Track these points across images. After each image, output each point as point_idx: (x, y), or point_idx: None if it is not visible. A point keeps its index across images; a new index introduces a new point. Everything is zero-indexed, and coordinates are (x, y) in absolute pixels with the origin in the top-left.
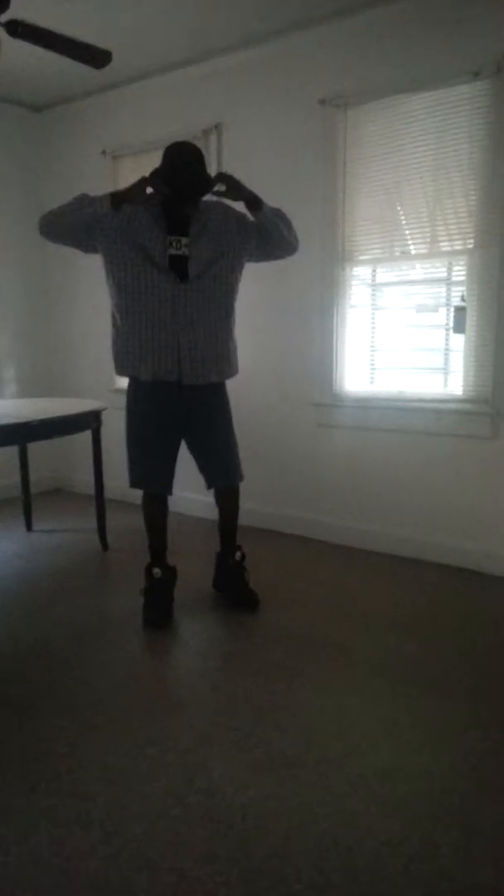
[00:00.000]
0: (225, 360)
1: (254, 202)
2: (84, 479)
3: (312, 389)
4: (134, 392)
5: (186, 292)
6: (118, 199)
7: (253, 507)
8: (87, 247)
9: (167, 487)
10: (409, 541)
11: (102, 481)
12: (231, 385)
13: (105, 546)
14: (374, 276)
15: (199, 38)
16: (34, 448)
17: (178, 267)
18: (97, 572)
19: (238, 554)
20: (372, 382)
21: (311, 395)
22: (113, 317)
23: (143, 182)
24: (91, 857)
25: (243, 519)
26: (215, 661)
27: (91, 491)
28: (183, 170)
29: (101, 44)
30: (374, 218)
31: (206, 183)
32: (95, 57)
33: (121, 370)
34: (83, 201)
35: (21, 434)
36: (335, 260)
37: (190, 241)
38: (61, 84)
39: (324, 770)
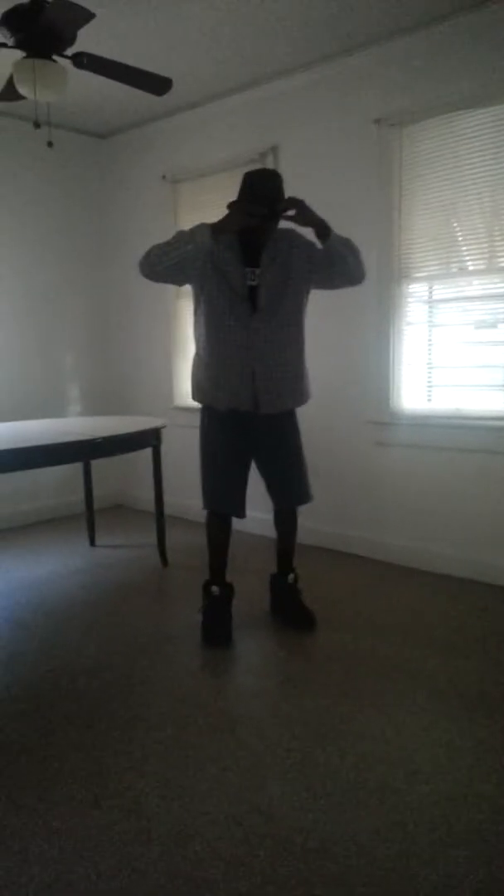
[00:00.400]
0: (298, 389)
1: (323, 229)
2: (144, 496)
3: (369, 408)
4: (209, 417)
5: (258, 322)
6: (219, 229)
7: (312, 525)
8: (183, 282)
9: (238, 509)
10: (468, 561)
11: (162, 498)
12: None
13: (165, 562)
14: (430, 292)
15: (255, 64)
16: (97, 465)
17: (251, 298)
18: (157, 588)
19: (291, 576)
20: (429, 400)
21: (368, 414)
22: (197, 343)
23: (241, 210)
24: (152, 875)
25: (302, 538)
26: (274, 681)
27: (151, 507)
28: (262, 185)
29: (162, 72)
30: (431, 235)
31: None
32: (157, 84)
33: (198, 397)
34: (182, 238)
35: (86, 451)
36: (391, 278)
37: (261, 272)
38: (124, 112)
39: (385, 796)
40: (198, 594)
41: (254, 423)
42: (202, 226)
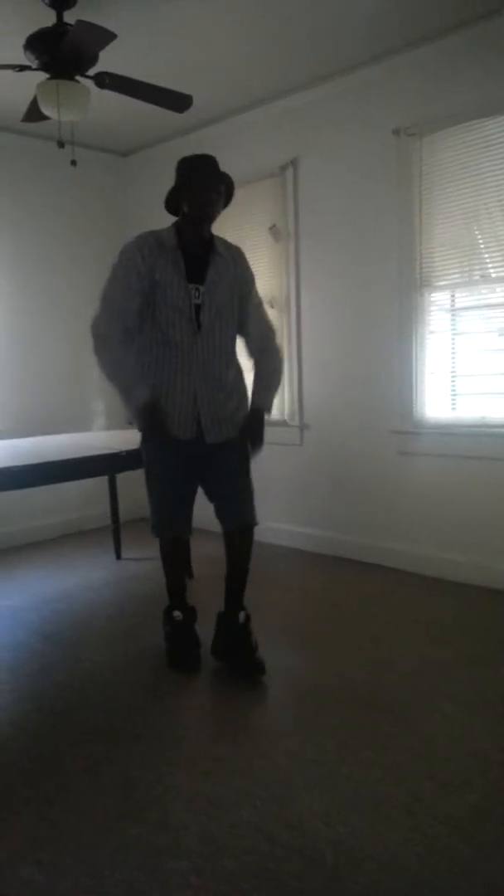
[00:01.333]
0: (241, 411)
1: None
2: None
3: (392, 417)
4: (153, 445)
5: (198, 344)
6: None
7: (334, 535)
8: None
9: (189, 528)
10: (495, 571)
11: None
12: (311, 414)
13: (190, 574)
14: (453, 300)
15: (274, 78)
16: (122, 478)
17: (196, 317)
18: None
19: (243, 614)
20: (454, 409)
21: (391, 423)
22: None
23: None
24: (182, 888)
25: (325, 548)
26: (299, 693)
27: None
28: (200, 173)
29: (182, 89)
30: (452, 243)
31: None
32: (177, 102)
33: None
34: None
35: (111, 465)
36: (412, 287)
37: (206, 289)
38: (145, 129)
39: (414, 809)
40: (219, 607)
41: (201, 448)
42: (140, 407)
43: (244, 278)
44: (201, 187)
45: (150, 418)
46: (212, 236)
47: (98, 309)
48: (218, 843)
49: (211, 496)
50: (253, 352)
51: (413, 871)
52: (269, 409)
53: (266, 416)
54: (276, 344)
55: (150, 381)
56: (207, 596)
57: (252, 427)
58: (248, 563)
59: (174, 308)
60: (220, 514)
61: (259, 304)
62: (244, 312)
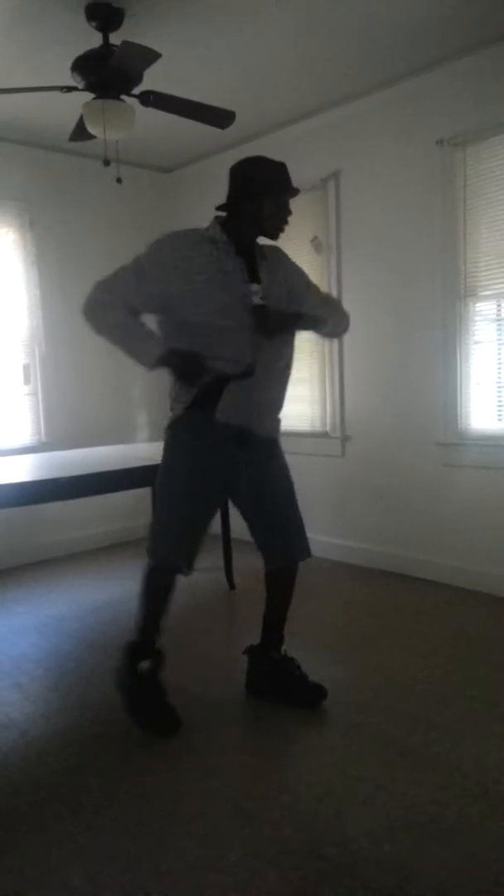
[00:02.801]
0: (278, 418)
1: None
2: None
3: (437, 429)
4: (185, 453)
5: (260, 346)
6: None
7: (379, 549)
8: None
9: (192, 566)
10: None
11: (229, 521)
12: (353, 426)
13: (232, 585)
14: (499, 310)
15: (316, 92)
16: None
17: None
18: (225, 611)
19: (284, 647)
20: (500, 420)
21: (435, 435)
22: None
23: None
24: None
25: (368, 562)
26: (344, 708)
27: (217, 530)
28: (281, 173)
29: (225, 105)
30: (498, 252)
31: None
32: (220, 118)
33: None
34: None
35: (155, 476)
36: (456, 297)
37: (262, 288)
38: (189, 146)
39: (465, 829)
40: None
41: (239, 456)
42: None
43: (290, 268)
44: (286, 195)
45: (181, 359)
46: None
47: (99, 287)
48: (262, 859)
49: (253, 523)
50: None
51: (461, 893)
52: (311, 322)
53: (300, 326)
54: (342, 309)
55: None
56: (245, 609)
57: (279, 313)
58: (291, 595)
59: (223, 301)
60: (266, 546)
61: (315, 291)
62: (310, 304)
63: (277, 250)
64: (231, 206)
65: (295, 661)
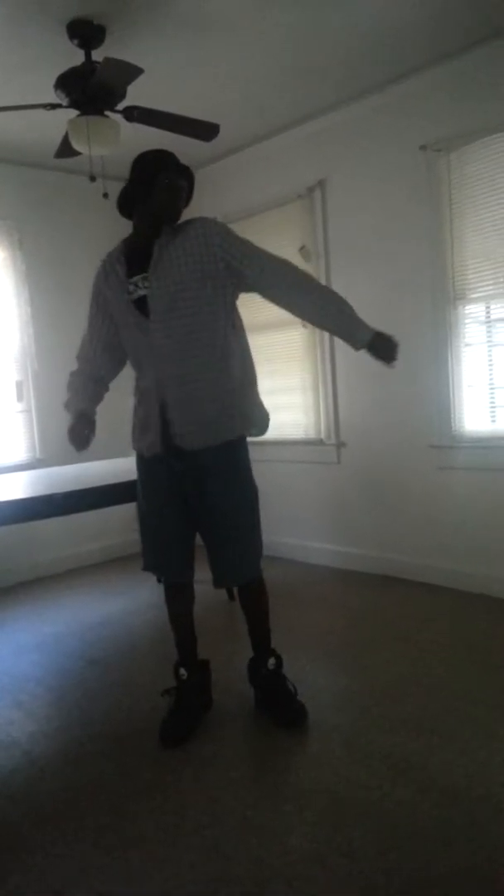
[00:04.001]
0: (225, 416)
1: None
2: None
3: (430, 432)
4: (139, 467)
5: (154, 339)
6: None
7: (375, 553)
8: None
9: (182, 573)
10: None
11: None
12: (347, 432)
13: (231, 597)
14: (488, 312)
15: (299, 103)
16: None
17: (142, 309)
18: (225, 623)
19: (272, 661)
20: (493, 421)
21: (429, 438)
22: None
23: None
24: None
25: (364, 566)
26: (347, 716)
27: None
28: (162, 161)
29: (209, 118)
30: (485, 255)
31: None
32: (204, 131)
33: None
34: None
35: None
36: (446, 300)
37: (149, 275)
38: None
39: (472, 834)
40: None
41: (178, 468)
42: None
43: (218, 243)
44: (162, 175)
45: (71, 426)
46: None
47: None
48: (269, 870)
49: (204, 540)
50: (287, 300)
51: None
52: (365, 336)
53: (374, 339)
54: (305, 274)
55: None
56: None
57: (380, 346)
58: (261, 612)
59: (120, 310)
60: (211, 565)
61: (257, 253)
62: (242, 275)
63: (195, 221)
64: (129, 208)
65: (281, 677)
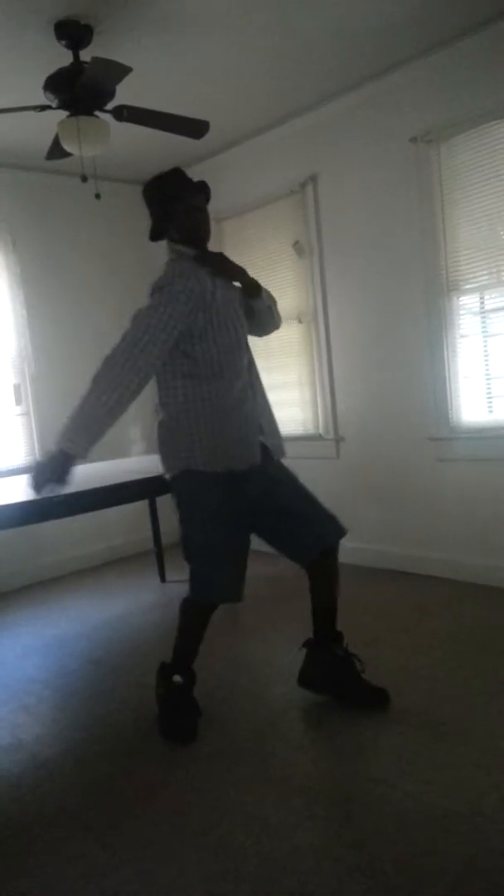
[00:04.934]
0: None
1: (254, 289)
2: None
3: (428, 424)
4: (210, 488)
5: (249, 364)
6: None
7: (375, 547)
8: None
9: (242, 593)
10: None
11: None
12: (346, 427)
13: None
14: (482, 303)
15: (288, 98)
16: (163, 501)
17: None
18: (229, 621)
19: (345, 641)
20: (490, 412)
21: (427, 431)
22: (177, 404)
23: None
24: None
25: (366, 560)
26: (352, 709)
27: None
28: (185, 185)
29: (199, 115)
30: (478, 245)
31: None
32: (195, 128)
33: (192, 463)
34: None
35: (151, 488)
36: (440, 291)
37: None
38: (165, 158)
39: (478, 823)
40: (269, 627)
41: (258, 482)
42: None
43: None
44: (197, 203)
45: (62, 469)
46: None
47: (128, 339)
48: (279, 866)
49: (280, 529)
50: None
51: (480, 886)
52: (259, 288)
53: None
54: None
55: (199, 424)
56: (250, 617)
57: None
58: (338, 583)
59: (230, 333)
60: (304, 538)
61: None
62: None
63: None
64: (162, 231)
65: (359, 658)
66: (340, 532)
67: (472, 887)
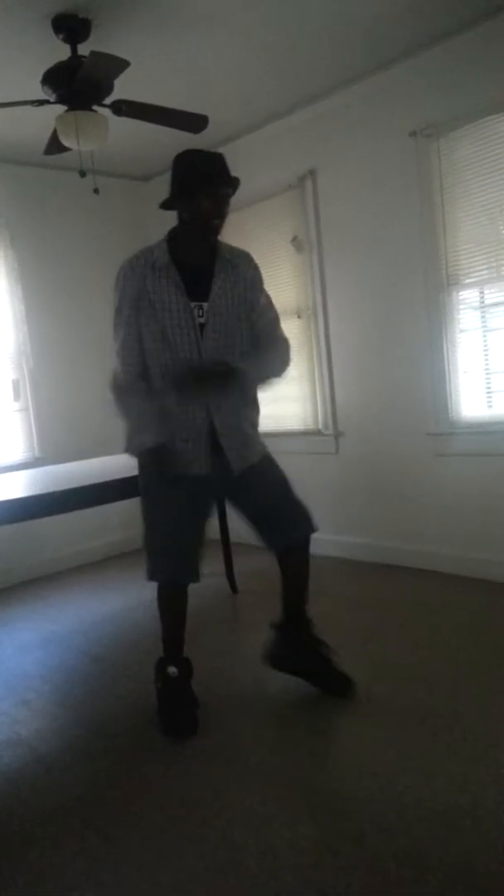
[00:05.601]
0: (256, 433)
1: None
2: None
3: (428, 419)
4: (162, 483)
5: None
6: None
7: (374, 542)
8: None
9: (198, 574)
10: None
11: (227, 525)
12: (345, 422)
13: (234, 589)
14: (482, 297)
15: (287, 92)
16: None
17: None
18: (229, 615)
19: (315, 629)
20: (490, 407)
21: (426, 426)
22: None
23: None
24: None
25: (368, 555)
26: (354, 703)
27: (216, 535)
28: (207, 166)
29: (197, 110)
30: (478, 240)
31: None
32: (193, 123)
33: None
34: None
35: None
36: (440, 286)
37: (210, 305)
38: (164, 153)
39: (479, 816)
40: (268, 619)
41: (222, 482)
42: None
43: (252, 282)
44: (215, 189)
45: (159, 461)
46: (217, 243)
47: (115, 359)
48: (280, 860)
49: (256, 519)
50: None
51: (480, 881)
52: (247, 377)
53: (240, 380)
54: (285, 348)
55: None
56: (250, 611)
57: (216, 368)
58: (308, 572)
59: (176, 331)
60: (271, 533)
61: (270, 314)
62: (254, 319)
63: (244, 255)
64: (171, 205)
65: (328, 645)
66: (307, 530)
67: (473, 881)
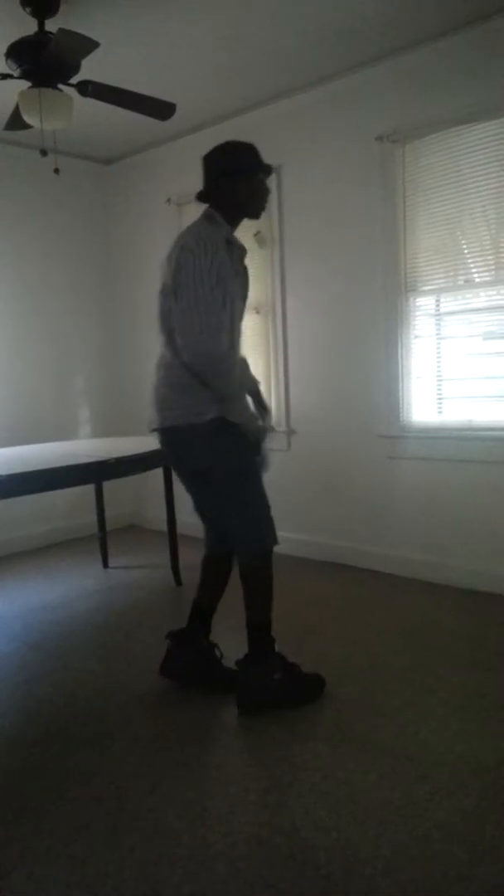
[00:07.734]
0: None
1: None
2: (157, 516)
3: (379, 422)
4: (245, 444)
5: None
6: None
7: (323, 540)
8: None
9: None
10: (486, 574)
11: (175, 517)
12: (298, 419)
13: (179, 581)
14: (437, 305)
15: (256, 86)
16: (109, 486)
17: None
18: (172, 608)
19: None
20: (440, 413)
21: (378, 428)
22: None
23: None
24: None
25: (313, 553)
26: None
27: (164, 527)
28: (260, 158)
29: (165, 97)
30: (436, 248)
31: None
32: (160, 110)
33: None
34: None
35: (98, 472)
36: (398, 292)
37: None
38: (129, 138)
39: (409, 812)
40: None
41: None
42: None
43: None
44: (264, 174)
45: (263, 429)
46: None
47: (215, 332)
48: (212, 852)
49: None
50: None
51: (408, 875)
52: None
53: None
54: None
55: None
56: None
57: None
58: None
59: (237, 309)
60: (210, 535)
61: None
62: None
63: (241, 245)
64: (211, 193)
65: (218, 646)
66: (235, 556)
67: (402, 875)
